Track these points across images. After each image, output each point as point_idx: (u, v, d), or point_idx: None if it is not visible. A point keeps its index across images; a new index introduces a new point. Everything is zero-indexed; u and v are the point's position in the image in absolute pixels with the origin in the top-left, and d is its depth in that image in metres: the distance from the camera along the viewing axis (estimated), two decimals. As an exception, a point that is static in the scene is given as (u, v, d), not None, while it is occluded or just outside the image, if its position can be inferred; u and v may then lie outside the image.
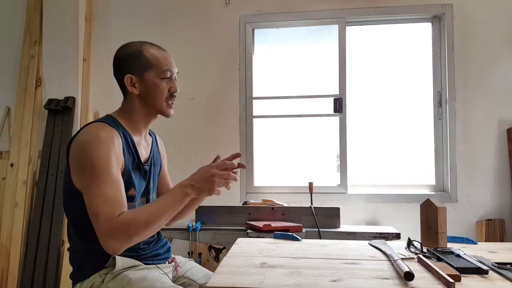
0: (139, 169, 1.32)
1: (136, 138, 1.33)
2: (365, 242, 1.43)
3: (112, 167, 1.16)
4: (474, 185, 2.76)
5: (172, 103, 1.35)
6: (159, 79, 1.30)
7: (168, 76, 1.32)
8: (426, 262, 1.09)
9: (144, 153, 1.37)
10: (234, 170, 1.22)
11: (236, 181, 1.23)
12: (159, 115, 1.37)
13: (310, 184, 2.36)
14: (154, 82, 1.30)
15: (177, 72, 1.37)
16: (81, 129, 1.25)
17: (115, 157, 1.19)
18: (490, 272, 1.05)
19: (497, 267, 1.07)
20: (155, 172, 1.42)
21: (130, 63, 1.30)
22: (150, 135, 1.46)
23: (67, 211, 1.28)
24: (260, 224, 2.03)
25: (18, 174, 2.85)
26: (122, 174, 1.23)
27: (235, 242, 1.44)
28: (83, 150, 1.17)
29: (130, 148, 1.29)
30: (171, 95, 1.33)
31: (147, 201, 1.37)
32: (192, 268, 1.48)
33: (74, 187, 1.20)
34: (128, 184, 1.26)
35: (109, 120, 1.29)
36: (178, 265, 1.45)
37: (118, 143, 1.22)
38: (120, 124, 1.29)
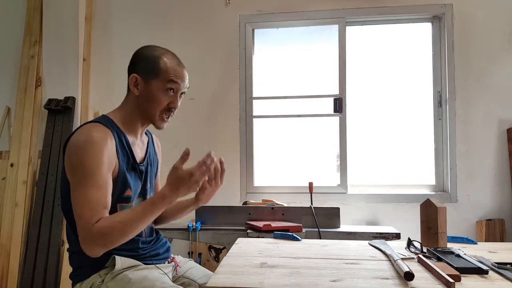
0: (135, 170, 1.32)
1: (131, 138, 1.33)
2: (365, 242, 1.43)
3: (102, 170, 1.16)
4: (474, 185, 2.76)
5: (167, 118, 1.33)
6: (162, 91, 1.28)
7: (173, 90, 1.29)
8: (426, 262, 1.09)
9: (139, 153, 1.36)
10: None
11: (220, 184, 1.29)
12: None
13: (310, 184, 2.36)
14: (155, 91, 1.28)
15: (184, 92, 1.34)
16: (76, 129, 1.25)
17: (107, 158, 1.18)
18: (490, 272, 1.05)
19: (497, 267, 1.07)
20: (151, 172, 1.42)
21: (143, 64, 1.30)
22: (146, 134, 1.46)
23: (65, 211, 1.27)
24: (260, 224, 2.03)
25: (18, 174, 2.84)
26: (117, 175, 1.23)
27: (235, 242, 1.44)
28: (75, 152, 1.17)
29: (125, 148, 1.29)
30: (169, 109, 1.31)
31: None
32: (192, 268, 1.48)
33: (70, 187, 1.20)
34: (124, 185, 1.26)
35: (104, 120, 1.28)
36: (177, 265, 1.44)
37: (111, 143, 1.21)
38: (114, 124, 1.29)
